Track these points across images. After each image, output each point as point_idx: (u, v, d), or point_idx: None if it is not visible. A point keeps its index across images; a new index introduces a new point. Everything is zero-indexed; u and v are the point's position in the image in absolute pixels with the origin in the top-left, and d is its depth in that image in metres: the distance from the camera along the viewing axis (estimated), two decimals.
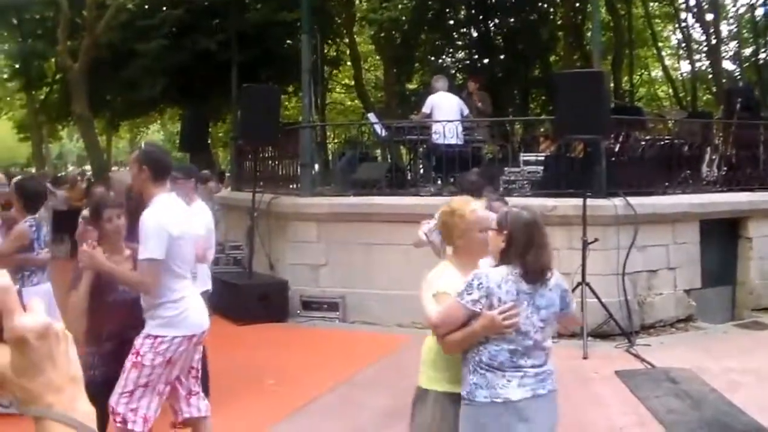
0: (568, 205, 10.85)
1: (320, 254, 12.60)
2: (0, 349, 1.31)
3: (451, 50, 33.04)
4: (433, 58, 31.93)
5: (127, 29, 23.25)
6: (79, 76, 21.38)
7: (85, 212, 7.90)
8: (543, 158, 12.96)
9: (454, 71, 30.45)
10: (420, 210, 9.37)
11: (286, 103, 31.26)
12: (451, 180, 13.03)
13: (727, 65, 32.99)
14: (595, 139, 11.02)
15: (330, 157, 18.58)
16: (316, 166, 15.12)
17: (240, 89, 16.49)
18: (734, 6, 33.65)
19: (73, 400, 1.34)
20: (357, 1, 29.89)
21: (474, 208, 4.59)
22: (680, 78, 38.85)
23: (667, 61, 38.60)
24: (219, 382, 8.08)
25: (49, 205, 12.82)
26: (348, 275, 12.30)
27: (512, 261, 4.22)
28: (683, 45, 35.81)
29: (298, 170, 14.06)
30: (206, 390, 7.90)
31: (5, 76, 35.57)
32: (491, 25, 31.13)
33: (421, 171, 15.94)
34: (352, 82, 34.88)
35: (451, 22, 31.37)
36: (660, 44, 36.70)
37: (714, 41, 30.56)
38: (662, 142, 13.36)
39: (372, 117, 16.80)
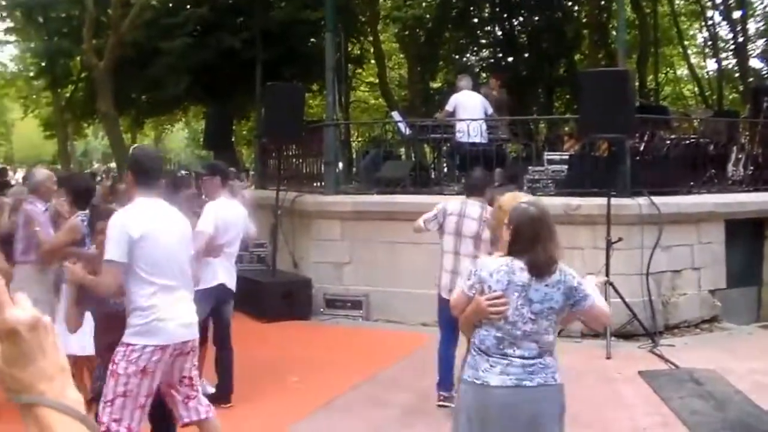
0: (593, 204, 10.81)
1: (344, 252, 12.62)
2: None
3: (475, 49, 32.94)
4: (457, 57, 31.89)
5: (152, 27, 23.35)
6: (104, 74, 21.49)
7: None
8: (567, 157, 12.93)
9: (478, 70, 30.37)
10: None
11: (311, 101, 31.29)
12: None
13: (754, 63, 32.74)
14: (620, 138, 10.99)
15: (354, 156, 18.60)
16: (340, 165, 15.15)
17: (264, 87, 16.54)
18: (762, 3, 33.35)
19: (63, 388, 1.41)
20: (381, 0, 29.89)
21: (505, 204, 4.71)
22: (706, 76, 38.53)
23: (693, 60, 38.31)
24: (243, 379, 8.14)
25: None
26: (371, 273, 12.32)
27: (515, 254, 4.31)
28: (709, 43, 35.51)
29: (322, 168, 14.08)
30: (229, 387, 7.96)
31: (31, 74, 35.81)
32: (515, 23, 31.04)
33: (445, 169, 15.93)
34: (376, 81, 34.83)
35: (476, 20, 31.25)
36: (686, 42, 36.42)
37: (741, 39, 30.34)
38: (687, 142, 13.28)
39: (396, 115, 16.80)
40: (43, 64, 31.99)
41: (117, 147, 23.90)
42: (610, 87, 10.26)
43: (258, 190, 17.20)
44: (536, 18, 30.15)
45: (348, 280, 12.51)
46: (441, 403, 7.67)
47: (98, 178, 23.83)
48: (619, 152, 11.48)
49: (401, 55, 35.47)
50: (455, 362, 7.23)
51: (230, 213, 7.93)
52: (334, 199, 13.13)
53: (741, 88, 31.19)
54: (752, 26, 33.25)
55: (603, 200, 10.40)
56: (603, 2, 28.40)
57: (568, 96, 30.66)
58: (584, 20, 30.09)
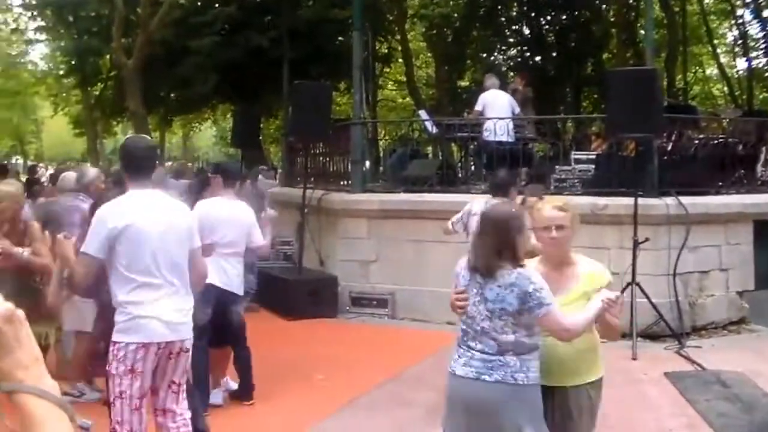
0: (619, 204, 10.76)
1: (370, 250, 12.64)
2: None
3: (502, 47, 32.91)
4: (484, 56, 31.87)
5: (181, 26, 23.51)
6: (133, 72, 21.64)
7: None
8: (594, 157, 12.88)
9: (505, 69, 30.32)
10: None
11: (338, 99, 31.35)
12: None
13: None
14: (647, 138, 10.93)
15: (381, 154, 18.62)
16: (367, 163, 15.17)
17: (291, 86, 16.58)
18: None
19: (39, 376, 1.50)
20: None
21: (540, 206, 4.76)
22: (736, 76, 38.26)
23: (723, 59, 38.03)
24: (267, 377, 8.17)
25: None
26: (398, 272, 12.33)
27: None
28: (739, 42, 35.27)
29: (349, 167, 14.11)
30: (250, 386, 7.96)
31: (61, 72, 36.15)
32: (543, 22, 30.98)
33: (472, 168, 15.91)
34: (404, 79, 34.87)
35: (503, 19, 31.22)
36: (715, 41, 36.18)
37: None
38: (716, 141, 13.19)
39: (423, 114, 16.81)
40: (73, 62, 32.34)
41: None
42: (637, 86, 10.20)
43: (285, 188, 17.26)
44: (564, 17, 30.10)
45: (374, 278, 12.53)
46: None
47: None
48: (646, 152, 11.41)
49: (429, 54, 35.46)
50: None
51: (223, 212, 7.58)
52: (361, 197, 13.15)
53: None
54: None
55: (630, 200, 10.35)
56: (631, 1, 28.31)
57: (595, 95, 30.55)
58: (612, 19, 29.98)
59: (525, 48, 31.74)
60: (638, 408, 7.89)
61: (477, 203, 8.29)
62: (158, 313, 5.03)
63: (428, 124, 15.40)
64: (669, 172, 11.58)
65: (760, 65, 34.09)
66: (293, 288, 12.36)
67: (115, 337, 5.03)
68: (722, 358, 9.63)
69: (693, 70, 38.09)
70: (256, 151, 22.75)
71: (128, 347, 4.97)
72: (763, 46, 32.30)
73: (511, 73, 27.96)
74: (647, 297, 10.13)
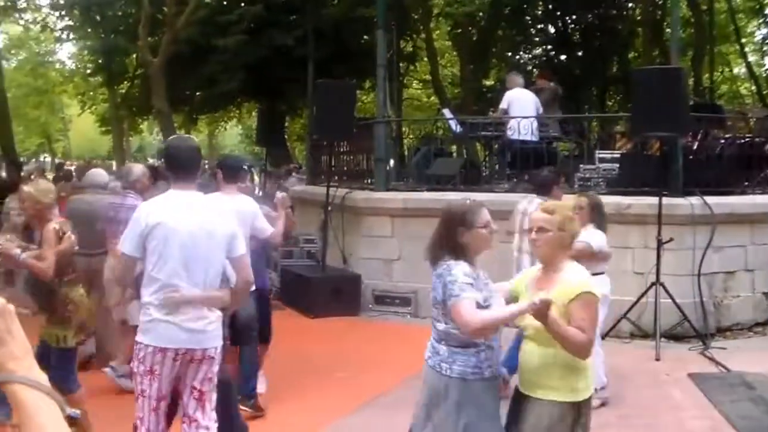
0: (644, 203, 10.71)
1: (393, 249, 12.65)
2: None
3: (527, 47, 32.81)
4: (509, 55, 31.77)
5: (206, 25, 23.61)
6: (159, 71, 21.74)
7: None
8: (619, 156, 12.82)
9: (531, 68, 30.24)
10: (494, 207, 9.29)
11: (363, 98, 31.42)
12: (526, 177, 12.99)
13: None
14: (673, 137, 10.87)
15: (406, 153, 18.62)
16: (392, 162, 15.16)
17: (315, 84, 16.61)
18: None
19: (30, 367, 1.56)
20: None
21: (532, 209, 4.86)
22: (764, 74, 37.92)
23: (751, 58, 37.66)
24: (289, 373, 8.20)
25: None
26: (421, 270, 12.24)
27: None
28: None
29: (373, 165, 14.12)
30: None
31: (88, 71, 36.42)
32: (569, 21, 30.84)
33: (496, 167, 15.88)
34: (429, 78, 34.85)
35: (528, 18, 31.12)
36: (743, 40, 35.85)
37: None
38: (742, 141, 13.08)
39: (447, 113, 16.79)
40: (100, 61, 32.57)
41: None
42: (663, 85, 10.14)
43: (309, 186, 17.30)
44: (589, 16, 29.94)
45: (397, 276, 12.53)
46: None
47: None
48: (671, 151, 11.34)
49: (454, 53, 35.40)
50: None
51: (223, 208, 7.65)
52: (385, 195, 13.16)
53: None
54: None
55: (654, 200, 10.28)
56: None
57: (621, 95, 30.41)
58: (638, 18, 29.80)
59: (550, 47, 31.64)
60: (661, 409, 7.85)
61: (523, 203, 8.41)
62: (179, 318, 4.98)
63: (452, 123, 15.38)
64: (694, 171, 11.50)
65: None
66: (316, 286, 12.39)
67: (138, 337, 5.05)
68: (747, 359, 9.57)
69: (720, 69, 37.74)
70: (281, 150, 22.80)
71: (147, 349, 4.96)
72: None
73: (536, 72, 27.95)
74: (671, 297, 10.08)
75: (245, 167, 8.17)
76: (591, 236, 7.91)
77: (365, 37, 24.97)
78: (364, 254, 13.01)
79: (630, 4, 30.62)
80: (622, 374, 8.64)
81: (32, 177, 18.09)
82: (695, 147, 12.31)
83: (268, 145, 17.71)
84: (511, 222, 8.47)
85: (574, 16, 30.71)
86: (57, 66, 45.74)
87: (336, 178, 14.23)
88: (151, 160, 66.29)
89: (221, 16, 23.75)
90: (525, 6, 30.04)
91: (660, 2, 28.25)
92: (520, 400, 4.48)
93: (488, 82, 32.44)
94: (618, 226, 9.94)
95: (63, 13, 33.94)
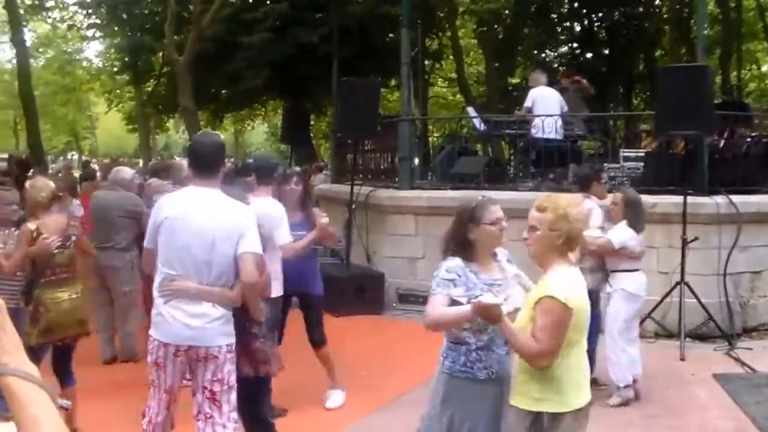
0: (669, 202, 10.63)
1: (418, 247, 12.64)
2: None
3: (553, 45, 32.70)
4: (535, 53, 31.69)
5: (231, 23, 23.69)
6: (185, 69, 21.85)
7: None
8: (643, 154, 12.75)
9: (556, 65, 30.15)
10: (518, 205, 9.31)
11: (389, 96, 31.42)
12: (550, 176, 12.96)
13: None
14: (698, 135, 10.79)
15: (431, 151, 18.61)
16: (416, 160, 15.16)
17: (339, 82, 16.63)
18: None
19: (22, 360, 1.61)
20: None
21: None
22: None
23: None
24: (313, 372, 8.20)
25: None
26: (441, 270, 12.28)
27: None
28: None
29: (397, 163, 14.13)
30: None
31: (115, 69, 36.67)
32: (594, 18, 30.73)
33: (520, 166, 15.84)
34: (455, 76, 34.82)
35: (554, 15, 31.04)
36: None
37: None
38: None
39: (471, 111, 16.76)
40: (127, 59, 32.76)
41: None
42: (688, 83, 10.07)
43: (333, 184, 17.33)
44: (616, 13, 29.83)
45: (421, 275, 12.50)
46: None
47: None
48: (696, 149, 11.27)
49: (479, 51, 35.36)
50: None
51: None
52: (409, 194, 13.16)
53: None
54: None
55: (679, 198, 10.23)
56: None
57: (647, 93, 30.26)
58: (665, 15, 29.64)
59: (576, 45, 31.55)
60: (686, 409, 7.81)
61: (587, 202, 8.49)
62: (179, 314, 5.00)
63: (476, 121, 15.35)
64: (720, 170, 11.41)
65: None
66: (340, 284, 12.38)
67: (150, 330, 5.17)
68: None
69: (748, 67, 37.46)
70: (306, 148, 22.87)
71: (154, 342, 5.06)
72: None
73: (561, 70, 27.86)
74: (696, 297, 10.01)
75: (281, 169, 8.13)
76: (617, 232, 7.90)
77: (390, 34, 24.97)
78: (388, 253, 13.02)
79: (657, 2, 30.45)
80: (646, 374, 8.59)
81: (59, 174, 18.27)
82: (721, 145, 12.21)
83: (293, 143, 17.76)
84: None
85: (600, 14, 30.60)
86: (84, 64, 46.04)
87: (360, 176, 14.24)
88: (177, 158, 66.69)
89: (246, 14, 23.82)
90: (551, 4, 29.98)
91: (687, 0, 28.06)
92: None
93: (514, 81, 32.38)
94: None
95: (90, 11, 34.20)
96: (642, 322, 9.85)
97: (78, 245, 6.81)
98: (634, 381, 8.03)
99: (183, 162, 9.49)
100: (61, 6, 37.12)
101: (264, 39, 23.17)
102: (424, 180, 15.00)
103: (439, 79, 38.60)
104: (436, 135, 19.37)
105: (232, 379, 5.14)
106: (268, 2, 24.98)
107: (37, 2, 34.92)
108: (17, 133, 55.75)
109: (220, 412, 5.09)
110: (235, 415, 5.17)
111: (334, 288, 12.23)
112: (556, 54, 32.91)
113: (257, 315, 5.38)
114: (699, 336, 10.37)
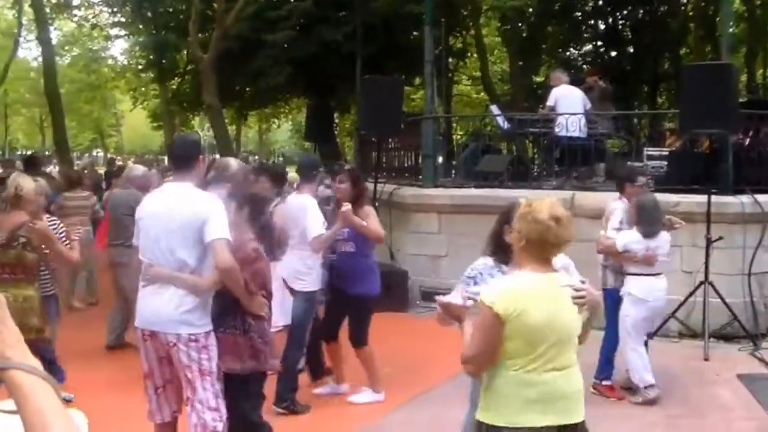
0: (692, 201, 10.57)
1: (441, 245, 12.66)
2: None
3: (577, 43, 32.58)
4: (559, 51, 31.59)
5: (256, 20, 23.72)
6: (209, 66, 21.90)
7: None
8: (667, 153, 12.71)
9: (581, 64, 30.06)
10: None
11: (413, 94, 31.41)
12: (574, 174, 12.95)
13: None
14: (722, 134, 10.74)
15: (455, 149, 18.61)
16: (440, 158, 15.17)
17: (363, 80, 16.66)
18: None
19: (24, 354, 1.63)
20: None
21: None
22: None
23: None
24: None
25: None
26: (468, 267, 12.29)
27: None
28: None
29: (421, 161, 14.14)
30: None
31: (140, 67, 36.85)
32: (619, 17, 30.57)
33: (544, 164, 15.83)
34: (479, 75, 34.77)
35: (578, 14, 30.91)
36: None
37: None
38: None
39: (494, 109, 16.75)
40: (151, 57, 32.91)
41: (221, 138, 24.38)
42: (713, 81, 10.02)
43: None
44: (640, 11, 29.65)
45: (444, 273, 12.50)
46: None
47: None
48: (721, 148, 11.22)
49: (503, 50, 35.29)
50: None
51: (292, 208, 7.81)
52: (432, 192, 13.18)
53: None
54: None
55: (703, 198, 10.17)
56: None
57: (672, 91, 30.09)
58: (690, 13, 29.47)
59: (600, 43, 31.40)
60: (709, 409, 7.80)
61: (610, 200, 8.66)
62: (146, 301, 5.36)
63: (500, 119, 15.35)
64: (745, 168, 11.35)
65: None
66: None
67: None
68: None
69: None
70: (330, 146, 22.89)
71: (137, 327, 5.42)
72: None
73: (585, 68, 27.75)
74: (720, 297, 9.96)
75: (321, 168, 8.35)
76: (622, 235, 7.91)
77: (414, 33, 24.94)
78: (411, 250, 13.04)
79: (682, 0, 30.26)
80: (670, 374, 8.59)
81: (85, 171, 18.43)
82: (746, 144, 12.15)
83: (317, 141, 17.82)
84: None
85: (624, 12, 30.42)
86: (109, 62, 46.30)
87: (384, 174, 14.26)
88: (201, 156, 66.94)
89: (270, 12, 23.86)
90: (575, 2, 29.86)
91: None
92: None
93: (538, 79, 32.27)
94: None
95: (115, 9, 34.40)
96: (665, 321, 9.84)
97: (52, 251, 6.71)
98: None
99: (231, 160, 9.60)
100: (86, 4, 37.35)
101: (288, 37, 23.22)
102: (447, 178, 14.99)
103: (463, 78, 38.50)
104: (459, 133, 19.30)
105: (206, 366, 5.23)
106: (292, 0, 25.00)
107: (62, 1, 35.17)
108: (43, 130, 56.24)
109: (195, 395, 5.22)
110: (219, 402, 5.26)
111: None
112: (580, 52, 32.77)
113: (252, 307, 5.40)
114: (723, 336, 10.33)
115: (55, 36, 40.69)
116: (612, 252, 7.97)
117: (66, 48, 47.76)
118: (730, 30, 19.04)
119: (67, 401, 1.61)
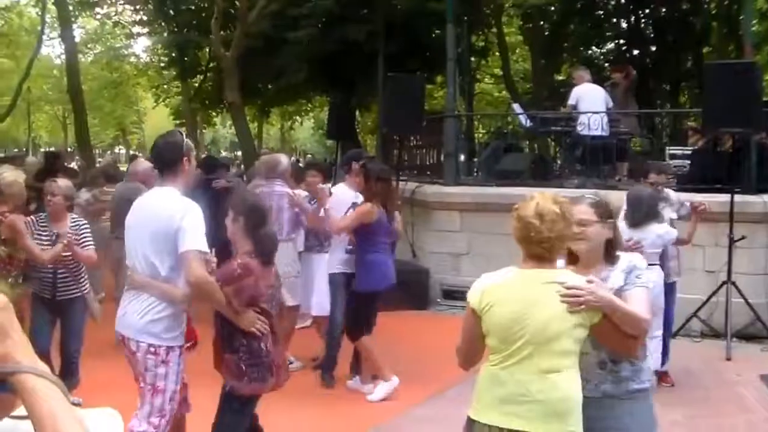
0: (715, 201, 10.51)
1: (462, 243, 12.67)
2: None
3: (600, 41, 32.44)
4: (581, 49, 31.46)
5: (278, 18, 23.77)
6: (231, 64, 21.98)
7: None
8: (690, 152, 12.66)
9: (603, 62, 29.95)
10: None
11: (435, 93, 31.36)
12: (596, 174, 12.92)
13: None
14: (746, 133, 10.69)
15: (477, 148, 18.61)
16: (462, 156, 15.17)
17: (384, 78, 16.68)
18: None
19: (33, 357, 1.64)
20: None
21: None
22: None
23: None
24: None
25: None
26: (489, 265, 12.13)
27: None
28: None
29: (443, 159, 14.15)
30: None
31: (162, 64, 36.99)
32: (641, 15, 30.42)
33: (566, 162, 15.80)
34: (501, 73, 34.71)
35: (601, 12, 30.77)
36: None
37: None
38: None
39: (516, 108, 16.75)
40: (173, 54, 33.01)
41: (243, 136, 24.46)
42: (736, 80, 9.97)
43: None
44: (663, 10, 29.48)
45: (466, 271, 12.52)
46: None
47: None
48: (744, 147, 11.17)
49: (526, 48, 35.21)
50: None
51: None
52: (454, 190, 13.19)
53: None
54: None
55: (726, 197, 10.14)
56: None
57: (696, 90, 29.90)
58: (713, 11, 29.28)
59: (623, 42, 31.26)
60: (731, 410, 7.78)
61: None
62: (122, 305, 5.33)
63: (522, 118, 15.34)
64: None
65: None
66: None
67: None
68: None
69: None
70: (352, 143, 22.93)
71: None
72: None
73: (608, 67, 27.64)
74: (743, 296, 9.93)
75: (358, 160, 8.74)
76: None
77: (437, 31, 24.93)
78: (432, 248, 13.06)
79: None
80: (691, 373, 8.58)
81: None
82: None
83: (339, 139, 17.83)
84: None
85: (647, 11, 30.25)
86: (132, 59, 46.48)
87: (406, 172, 14.27)
88: (224, 153, 67.25)
89: (293, 10, 23.89)
90: (597, 0, 29.74)
91: None
92: None
93: (560, 77, 32.18)
94: (687, 224, 9.84)
95: (137, 7, 34.54)
96: (687, 321, 9.82)
97: (21, 246, 6.75)
98: (655, 372, 8.07)
99: (281, 156, 9.96)
100: (109, 2, 37.53)
101: (310, 35, 23.25)
102: (469, 176, 15.01)
103: (486, 76, 38.43)
104: (481, 131, 19.29)
105: (161, 384, 5.13)
106: None
107: None
108: (66, 127, 56.51)
109: (141, 407, 5.16)
110: (155, 420, 5.13)
111: None
112: (602, 51, 32.63)
113: (240, 324, 5.15)
114: (745, 336, 10.29)
115: (78, 34, 40.87)
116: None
117: (89, 45, 47.99)
118: (754, 28, 18.94)
119: (76, 404, 1.63)
